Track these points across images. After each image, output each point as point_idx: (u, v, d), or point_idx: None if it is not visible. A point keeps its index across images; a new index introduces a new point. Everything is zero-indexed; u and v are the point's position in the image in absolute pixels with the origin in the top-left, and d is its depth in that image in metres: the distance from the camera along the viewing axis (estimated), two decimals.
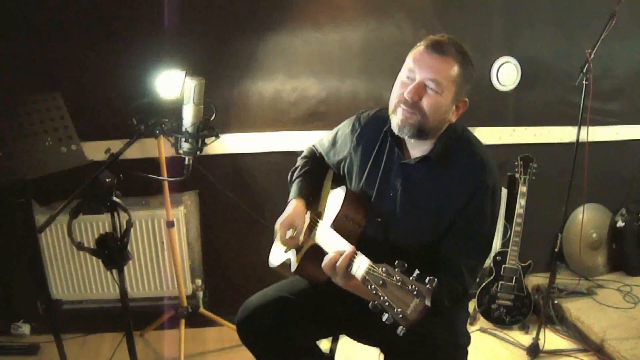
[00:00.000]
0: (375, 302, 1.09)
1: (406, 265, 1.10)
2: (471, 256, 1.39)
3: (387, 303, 1.08)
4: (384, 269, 1.12)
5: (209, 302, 2.60)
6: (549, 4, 2.56)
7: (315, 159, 1.73)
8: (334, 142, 1.67)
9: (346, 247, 1.27)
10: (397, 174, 1.46)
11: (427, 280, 1.06)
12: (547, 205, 2.67)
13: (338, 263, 1.24)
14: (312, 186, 1.64)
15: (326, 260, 1.27)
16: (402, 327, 1.06)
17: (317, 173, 1.70)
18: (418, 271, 1.08)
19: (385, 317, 1.08)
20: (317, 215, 1.56)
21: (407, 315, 1.05)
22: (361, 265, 1.19)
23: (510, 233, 2.52)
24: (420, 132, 1.36)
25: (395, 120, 1.38)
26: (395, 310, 1.06)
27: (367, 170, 1.52)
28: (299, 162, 1.74)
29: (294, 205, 1.54)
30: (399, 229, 1.45)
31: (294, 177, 1.68)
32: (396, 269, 1.10)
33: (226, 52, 2.34)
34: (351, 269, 1.22)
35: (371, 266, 1.16)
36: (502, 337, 2.50)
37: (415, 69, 1.33)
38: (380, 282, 1.11)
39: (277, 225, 1.51)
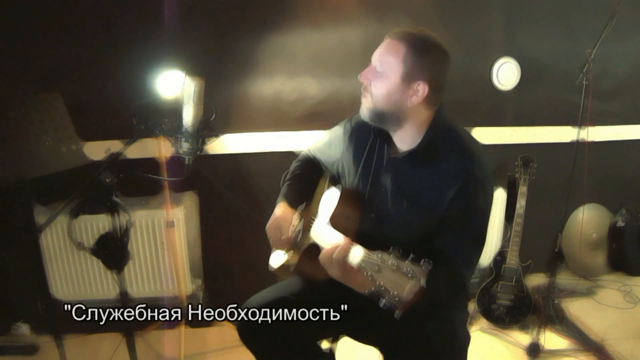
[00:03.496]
0: (372, 289, 1.11)
1: (401, 251, 1.12)
2: (465, 249, 1.38)
3: (383, 288, 1.09)
4: (379, 255, 1.14)
5: (209, 302, 2.60)
6: (549, 3, 2.55)
7: (308, 163, 1.76)
8: (328, 145, 1.69)
9: (342, 240, 1.28)
10: (387, 169, 1.47)
11: (421, 262, 1.08)
12: (547, 205, 2.67)
13: (335, 255, 1.25)
14: (300, 190, 1.66)
15: (323, 252, 1.28)
16: (398, 311, 1.08)
17: (307, 176, 1.72)
18: (413, 255, 1.10)
19: (382, 302, 1.09)
20: (313, 215, 1.57)
21: (403, 297, 1.06)
22: (357, 254, 1.21)
23: (510, 233, 2.52)
24: (378, 118, 1.41)
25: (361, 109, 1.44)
26: (392, 293, 1.08)
27: (359, 169, 1.53)
28: (292, 165, 1.77)
29: (279, 208, 1.58)
30: (392, 224, 1.45)
31: (284, 181, 1.71)
32: (391, 255, 1.12)
33: (226, 52, 2.34)
34: (347, 259, 1.23)
35: (367, 254, 1.18)
36: (502, 337, 2.50)
37: (373, 55, 1.38)
38: (376, 267, 1.13)
39: (267, 230, 1.55)
